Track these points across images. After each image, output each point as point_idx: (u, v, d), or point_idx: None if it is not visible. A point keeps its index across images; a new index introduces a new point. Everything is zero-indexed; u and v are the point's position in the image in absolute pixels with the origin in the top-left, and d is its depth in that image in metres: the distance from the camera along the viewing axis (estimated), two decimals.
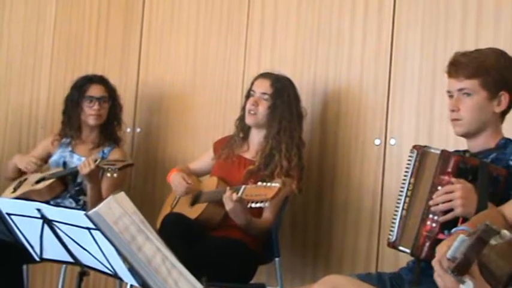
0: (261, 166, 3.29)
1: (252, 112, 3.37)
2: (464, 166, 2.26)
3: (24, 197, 3.61)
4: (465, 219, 2.15)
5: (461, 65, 2.37)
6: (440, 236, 2.21)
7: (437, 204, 2.23)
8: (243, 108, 3.45)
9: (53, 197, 3.72)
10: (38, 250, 2.35)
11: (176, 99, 4.22)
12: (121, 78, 4.34)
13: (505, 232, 1.60)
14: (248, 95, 3.43)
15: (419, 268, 2.30)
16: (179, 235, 3.02)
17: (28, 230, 2.30)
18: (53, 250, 2.31)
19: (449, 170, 2.26)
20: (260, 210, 3.15)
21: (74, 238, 2.17)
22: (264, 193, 2.92)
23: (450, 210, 2.21)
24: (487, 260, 1.64)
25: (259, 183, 3.01)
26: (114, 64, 4.47)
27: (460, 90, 2.38)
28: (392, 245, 2.39)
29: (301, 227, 3.65)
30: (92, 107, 3.82)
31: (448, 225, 2.20)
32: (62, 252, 2.28)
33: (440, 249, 1.78)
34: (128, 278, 2.13)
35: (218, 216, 3.23)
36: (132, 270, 2.03)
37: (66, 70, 4.64)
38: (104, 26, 4.57)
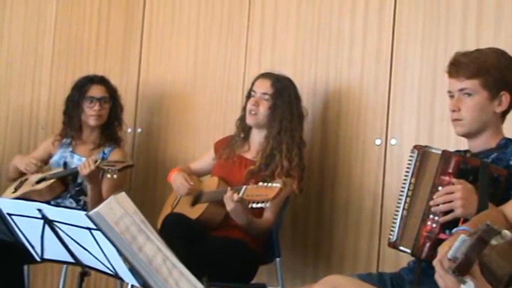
0: (261, 166, 3.29)
1: (252, 112, 3.37)
2: (465, 167, 2.26)
3: (25, 197, 3.61)
4: (466, 220, 2.15)
5: (462, 65, 2.37)
6: (441, 236, 2.21)
7: (438, 205, 2.23)
8: (244, 109, 3.45)
9: (54, 197, 3.72)
10: (38, 250, 2.35)
11: (177, 100, 4.22)
12: (122, 79, 4.34)
13: (506, 232, 1.60)
14: (249, 95, 3.43)
15: (420, 268, 2.30)
16: (180, 235, 3.02)
17: (29, 230, 2.30)
18: (53, 250, 2.31)
19: (450, 170, 2.26)
20: (261, 210, 3.15)
21: (74, 238, 2.17)
22: (265, 193, 2.92)
23: (451, 210, 2.21)
24: (488, 260, 1.64)
25: (260, 183, 3.01)
26: (114, 64, 4.47)
27: (460, 90, 2.38)
28: (393, 245, 2.39)
29: (302, 227, 3.64)
30: (93, 108, 3.82)
31: (449, 226, 2.20)
32: (63, 253, 2.28)
33: (441, 250, 1.78)
34: (129, 278, 2.13)
35: (219, 217, 3.23)
36: (132, 270, 2.03)
37: (66, 70, 4.64)
38: (104, 26, 4.57)
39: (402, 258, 2.78)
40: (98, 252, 2.13)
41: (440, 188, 2.25)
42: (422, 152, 2.40)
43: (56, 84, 4.68)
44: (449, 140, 3.02)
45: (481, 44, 2.96)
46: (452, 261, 1.67)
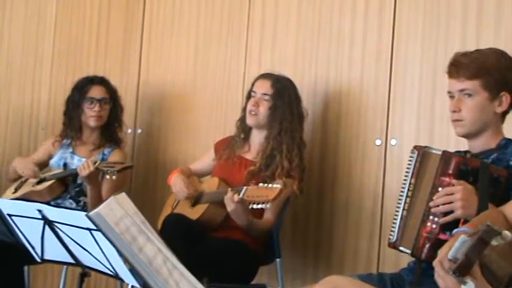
0: (262, 167, 3.29)
1: (252, 113, 3.37)
2: (465, 168, 2.26)
3: (25, 198, 3.60)
4: (466, 221, 2.15)
5: (462, 66, 2.36)
6: (441, 237, 2.21)
7: (438, 206, 2.23)
8: (244, 109, 3.45)
9: (54, 198, 3.72)
10: (39, 251, 2.35)
11: (177, 100, 4.22)
12: (122, 79, 4.34)
13: (506, 233, 1.60)
14: (249, 96, 3.43)
15: (420, 269, 2.30)
16: (180, 236, 3.02)
17: (29, 231, 2.30)
18: (54, 251, 2.31)
19: (450, 171, 2.26)
20: (261, 211, 3.15)
21: (75, 239, 2.17)
22: (266, 194, 2.92)
23: (451, 211, 2.21)
24: (489, 261, 1.64)
25: (261, 184, 3.01)
26: (114, 65, 4.47)
27: (461, 90, 2.38)
28: (393, 246, 2.39)
29: (302, 228, 3.64)
30: (93, 109, 3.82)
31: (449, 227, 2.20)
32: (63, 253, 2.28)
33: (441, 250, 1.78)
34: (129, 279, 2.13)
35: (219, 217, 3.23)
36: (133, 271, 2.03)
37: (66, 71, 4.64)
38: (104, 27, 4.57)
39: (402, 259, 2.78)
40: (98, 253, 2.13)
41: (440, 188, 2.25)
42: (422, 153, 2.40)
43: (56, 85, 4.68)
44: (450, 140, 3.02)
45: (481, 44, 2.96)
46: (452, 261, 1.67)
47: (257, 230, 3.19)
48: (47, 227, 2.21)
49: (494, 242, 1.60)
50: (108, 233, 1.95)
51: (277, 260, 3.30)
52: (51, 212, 2.18)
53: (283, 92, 3.36)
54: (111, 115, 3.91)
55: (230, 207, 3.04)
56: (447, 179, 2.25)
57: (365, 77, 3.48)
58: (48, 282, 4.53)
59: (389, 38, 3.39)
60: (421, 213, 2.29)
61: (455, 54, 2.43)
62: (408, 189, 2.39)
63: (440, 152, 2.33)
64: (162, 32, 4.32)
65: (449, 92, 2.44)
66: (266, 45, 3.85)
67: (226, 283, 3.01)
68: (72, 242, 2.19)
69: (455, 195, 2.19)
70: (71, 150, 3.88)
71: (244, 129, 3.49)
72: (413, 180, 2.39)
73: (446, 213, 2.21)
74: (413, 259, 2.40)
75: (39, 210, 2.18)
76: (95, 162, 3.52)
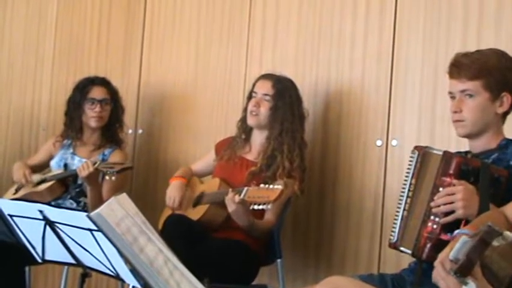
0: (263, 167, 3.29)
1: (253, 113, 3.37)
2: (466, 168, 2.26)
3: (26, 199, 3.61)
4: (467, 221, 2.15)
5: (463, 66, 2.36)
6: (442, 237, 2.21)
7: (439, 206, 2.23)
8: (245, 110, 3.45)
9: (54, 198, 3.72)
10: (40, 251, 2.35)
11: (178, 100, 4.22)
12: (123, 80, 4.34)
13: (508, 233, 1.60)
14: (250, 96, 3.43)
15: (421, 269, 2.30)
16: (181, 236, 3.02)
17: (30, 232, 2.30)
18: (55, 251, 2.31)
19: (451, 171, 2.26)
20: (262, 211, 3.15)
21: (75, 239, 2.17)
22: (267, 195, 2.92)
23: (451, 211, 2.21)
24: (490, 261, 1.64)
25: (262, 185, 3.01)
26: (115, 65, 4.47)
27: (462, 91, 2.37)
28: (394, 246, 2.39)
29: (303, 228, 3.64)
30: (94, 109, 3.82)
31: (450, 227, 2.20)
32: (64, 254, 2.28)
33: (442, 251, 1.78)
34: (130, 279, 2.13)
35: (220, 218, 3.23)
36: (134, 271, 2.03)
37: (67, 71, 4.64)
38: (105, 27, 4.57)
39: (403, 259, 2.78)
40: (99, 254, 2.13)
41: (441, 189, 2.25)
42: (423, 153, 2.40)
43: (57, 85, 4.69)
44: (450, 140, 3.02)
45: (482, 44, 2.96)
46: (453, 262, 1.67)
47: (258, 231, 3.19)
48: (47, 228, 2.21)
49: (495, 243, 1.60)
50: (109, 233, 1.95)
51: (278, 260, 3.30)
52: (52, 213, 2.18)
53: (284, 92, 3.36)
54: (112, 116, 3.91)
55: (231, 207, 3.04)
56: (448, 179, 2.25)
57: (366, 77, 3.47)
58: (49, 282, 4.53)
59: (390, 39, 3.39)
60: (421, 213, 2.30)
61: (456, 54, 2.43)
62: (409, 190, 2.39)
63: (441, 152, 2.33)
64: (163, 32, 4.32)
65: (450, 93, 2.44)
66: (267, 45, 3.85)
67: (227, 283, 3.01)
68: (73, 242, 2.19)
69: (456, 195, 2.19)
70: (71, 150, 3.88)
71: (245, 130, 3.49)
72: (413, 181, 2.39)
73: (447, 213, 2.21)
74: (414, 259, 2.40)
75: (40, 211, 2.19)
76: (95, 163, 3.52)
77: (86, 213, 1.99)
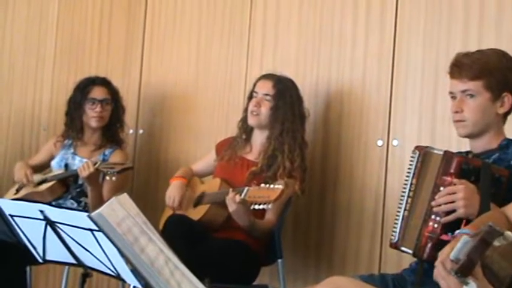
0: (263, 167, 3.29)
1: (254, 113, 3.37)
2: (467, 167, 2.26)
3: (27, 199, 3.61)
4: (468, 221, 2.15)
5: (464, 66, 2.36)
6: (443, 237, 2.21)
7: (440, 205, 2.23)
8: (246, 110, 3.45)
9: (55, 198, 3.72)
10: (40, 251, 2.35)
11: (179, 101, 4.22)
12: (124, 80, 4.34)
13: (509, 233, 1.60)
14: (250, 96, 3.43)
15: (422, 269, 2.30)
16: (182, 236, 3.02)
17: (31, 232, 2.30)
18: (55, 252, 2.31)
19: (452, 171, 2.26)
20: (263, 211, 3.15)
21: (76, 240, 2.17)
22: (267, 195, 2.92)
23: (452, 211, 2.21)
24: (490, 261, 1.64)
25: (262, 185, 3.01)
26: (116, 65, 4.47)
27: (463, 91, 2.37)
28: (395, 246, 2.39)
29: (303, 228, 3.64)
30: (94, 109, 3.82)
31: (450, 226, 2.20)
32: (65, 254, 2.28)
33: (443, 251, 1.78)
34: (131, 280, 2.13)
35: (221, 218, 3.23)
36: (134, 271, 2.03)
37: (68, 71, 4.65)
38: (106, 27, 4.57)
39: (404, 259, 2.78)
40: (100, 254, 2.13)
41: (442, 188, 2.25)
42: (423, 153, 2.40)
43: (58, 85, 4.69)
44: (451, 140, 3.02)
45: (483, 45, 2.96)
46: (454, 262, 1.67)
47: (259, 231, 3.19)
48: (48, 228, 2.21)
49: (496, 243, 1.60)
50: (110, 233, 1.95)
51: (279, 260, 3.29)
52: (53, 213, 2.18)
53: (285, 92, 3.36)
54: (112, 116, 3.91)
55: (232, 207, 3.04)
56: (449, 179, 2.25)
57: (367, 77, 3.47)
58: (50, 282, 4.53)
59: (391, 39, 3.39)
60: (422, 213, 2.30)
61: (457, 54, 2.43)
62: (410, 190, 2.39)
63: (441, 152, 2.33)
64: (164, 32, 4.32)
65: (451, 93, 2.44)
66: (268, 45, 3.85)
67: (227, 284, 3.01)
68: (74, 242, 2.19)
69: (457, 194, 2.19)
70: (72, 150, 3.88)
71: (245, 130, 3.49)
72: (414, 181, 2.39)
73: (448, 213, 2.21)
74: (415, 259, 2.40)
75: (41, 211, 2.19)
76: (95, 163, 3.53)
77: (86, 213, 1.99)
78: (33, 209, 2.21)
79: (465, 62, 2.37)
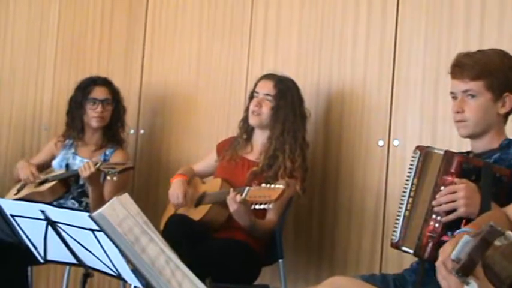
0: (264, 167, 3.29)
1: (255, 113, 3.37)
2: (468, 166, 2.26)
3: (28, 199, 3.61)
4: (468, 220, 2.14)
5: (465, 67, 2.36)
6: (444, 238, 2.21)
7: (441, 205, 2.23)
8: (247, 110, 3.46)
9: (56, 199, 3.72)
10: (41, 252, 2.36)
11: (180, 101, 4.22)
12: (125, 80, 4.34)
13: (510, 233, 1.60)
14: (251, 96, 3.44)
15: (423, 269, 2.30)
16: (183, 236, 3.02)
17: (32, 232, 2.30)
18: (56, 252, 2.31)
19: (453, 170, 2.26)
20: (264, 211, 3.15)
21: (77, 239, 2.18)
22: (268, 195, 2.92)
23: (453, 210, 2.21)
24: (492, 261, 1.64)
25: (263, 184, 3.02)
26: (117, 65, 4.47)
27: (464, 91, 2.37)
28: (396, 246, 2.39)
29: (304, 228, 3.64)
30: (95, 109, 3.82)
31: (451, 226, 2.20)
32: (66, 254, 2.28)
33: (444, 251, 1.78)
34: (132, 280, 2.13)
35: (222, 218, 3.23)
36: (135, 271, 2.03)
37: (69, 71, 4.65)
38: (107, 27, 4.57)
39: (405, 259, 2.78)
40: (101, 254, 2.13)
41: (442, 187, 2.25)
42: (424, 153, 2.40)
43: (59, 85, 4.69)
44: (452, 140, 3.02)
45: (484, 45, 2.95)
46: (455, 262, 1.67)
47: (259, 231, 3.19)
48: (49, 228, 2.21)
49: (497, 243, 1.60)
50: (111, 233, 1.95)
51: (280, 260, 3.29)
52: (54, 213, 2.18)
53: (286, 92, 3.36)
54: (113, 116, 3.91)
55: (232, 207, 3.04)
56: (450, 178, 2.25)
57: (368, 77, 3.47)
58: (51, 282, 4.53)
59: (392, 39, 3.39)
60: (423, 212, 2.29)
61: (458, 54, 2.43)
62: (411, 190, 2.39)
63: (442, 152, 2.33)
64: (165, 32, 4.32)
65: (452, 93, 2.44)
66: (269, 46, 3.85)
67: (228, 284, 3.01)
68: (75, 242, 2.19)
69: (458, 194, 2.19)
70: (73, 151, 3.88)
71: (246, 130, 3.49)
72: (415, 181, 2.38)
73: (449, 212, 2.21)
74: (416, 259, 2.40)
75: (42, 211, 2.19)
76: (96, 164, 3.53)
77: (87, 213, 1.99)
78: (34, 209, 2.21)
79: (466, 62, 2.37)
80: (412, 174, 2.40)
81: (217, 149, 3.58)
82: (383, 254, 3.34)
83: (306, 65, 3.69)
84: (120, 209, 2.00)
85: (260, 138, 3.43)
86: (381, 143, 3.39)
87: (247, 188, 3.03)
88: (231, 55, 4.00)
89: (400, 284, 2.39)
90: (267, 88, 3.37)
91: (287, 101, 3.34)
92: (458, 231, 1.95)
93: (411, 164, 2.42)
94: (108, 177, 3.50)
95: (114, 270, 2.17)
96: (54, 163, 3.90)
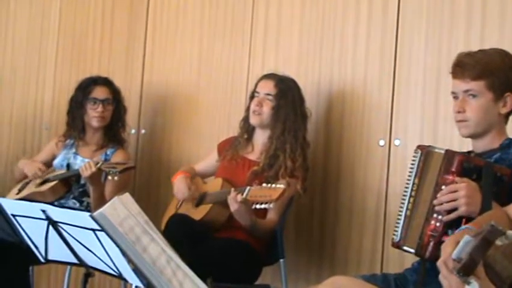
0: (265, 167, 3.29)
1: (256, 113, 3.37)
2: (468, 165, 2.26)
3: (29, 199, 3.61)
4: (469, 219, 2.14)
5: (467, 66, 2.36)
6: (445, 238, 2.20)
7: (442, 204, 2.23)
8: (247, 109, 3.46)
9: (57, 198, 3.72)
10: (42, 251, 2.36)
11: (181, 100, 4.22)
12: (126, 79, 4.35)
13: (511, 233, 1.60)
14: (252, 96, 3.44)
15: (424, 269, 2.30)
16: (184, 236, 3.02)
17: (33, 231, 2.31)
18: (58, 251, 2.31)
19: (453, 169, 2.25)
20: (264, 211, 3.15)
21: (78, 239, 2.18)
22: (269, 194, 2.92)
23: (454, 209, 2.21)
24: (493, 261, 1.64)
25: (264, 184, 3.02)
26: (118, 65, 4.48)
27: (465, 91, 2.37)
28: (397, 245, 2.39)
29: (305, 228, 3.64)
30: (96, 109, 3.82)
31: (452, 225, 2.20)
32: (67, 254, 2.28)
33: (445, 250, 1.77)
34: (133, 279, 2.13)
35: (223, 217, 3.23)
36: (136, 271, 2.03)
37: (70, 71, 4.65)
38: (108, 27, 4.58)
39: (406, 259, 2.78)
40: (102, 253, 2.13)
41: (443, 187, 2.25)
42: (425, 152, 2.40)
43: (60, 84, 4.69)
44: (453, 140, 3.02)
45: (485, 44, 2.95)
46: (456, 261, 1.67)
47: (260, 230, 3.19)
48: (51, 227, 2.21)
49: (498, 242, 1.60)
50: (112, 233, 1.95)
51: (281, 260, 3.29)
52: (55, 213, 2.18)
53: (287, 92, 3.36)
54: (114, 116, 3.91)
55: (233, 207, 3.04)
56: (450, 177, 2.25)
57: (369, 77, 3.47)
58: (52, 282, 4.54)
59: (393, 38, 3.39)
60: (424, 212, 2.29)
61: (459, 54, 2.43)
62: (412, 189, 2.39)
63: (443, 151, 2.33)
64: (166, 32, 4.32)
65: (453, 93, 2.44)
66: (270, 45, 3.85)
67: (229, 283, 3.01)
68: (76, 242, 2.20)
69: (459, 192, 2.19)
70: (74, 150, 3.89)
71: (247, 130, 3.49)
72: (416, 180, 2.38)
73: (450, 211, 2.21)
74: (417, 259, 2.40)
75: (43, 211, 2.19)
76: (97, 163, 3.53)
77: (88, 213, 1.99)
78: (35, 208, 2.21)
79: (468, 61, 2.37)
80: (413, 173, 2.40)
81: (218, 149, 3.58)
82: (384, 253, 3.34)
83: (307, 65, 3.69)
84: (121, 208, 2.00)
85: (261, 137, 3.43)
86: (381, 142, 3.39)
87: (248, 187, 3.03)
88: (232, 54, 4.00)
89: (401, 283, 2.39)
90: (267, 88, 3.37)
91: (288, 101, 3.34)
92: (459, 228, 1.95)
93: (412, 164, 2.42)
94: (109, 177, 3.50)
95: (115, 270, 2.17)
96: (55, 163, 3.90)
